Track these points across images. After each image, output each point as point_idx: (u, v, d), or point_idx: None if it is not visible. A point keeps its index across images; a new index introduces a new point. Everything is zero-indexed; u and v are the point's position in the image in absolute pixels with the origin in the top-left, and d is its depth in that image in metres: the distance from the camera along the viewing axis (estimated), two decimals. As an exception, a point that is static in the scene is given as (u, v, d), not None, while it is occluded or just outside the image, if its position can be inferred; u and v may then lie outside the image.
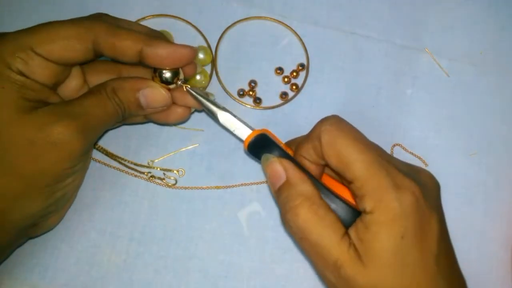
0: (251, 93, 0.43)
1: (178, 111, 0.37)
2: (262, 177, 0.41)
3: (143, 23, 0.43)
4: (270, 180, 0.34)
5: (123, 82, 0.35)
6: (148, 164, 0.40)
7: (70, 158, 0.32)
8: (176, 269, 0.38)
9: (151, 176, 0.40)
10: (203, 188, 0.40)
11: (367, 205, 0.30)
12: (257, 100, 0.43)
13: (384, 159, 0.31)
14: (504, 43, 0.46)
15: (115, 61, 0.35)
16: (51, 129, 0.31)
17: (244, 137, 0.36)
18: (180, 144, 0.41)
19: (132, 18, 0.43)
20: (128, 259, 0.38)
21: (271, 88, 0.43)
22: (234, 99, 0.43)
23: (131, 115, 0.36)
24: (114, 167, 0.40)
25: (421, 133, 0.43)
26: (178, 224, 0.39)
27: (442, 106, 0.44)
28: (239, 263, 0.39)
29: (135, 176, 0.40)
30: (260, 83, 0.43)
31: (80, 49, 0.32)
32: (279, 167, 0.33)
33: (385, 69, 0.44)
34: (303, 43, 0.44)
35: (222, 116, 0.36)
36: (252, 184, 0.40)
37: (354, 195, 0.32)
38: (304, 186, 0.32)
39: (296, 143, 0.36)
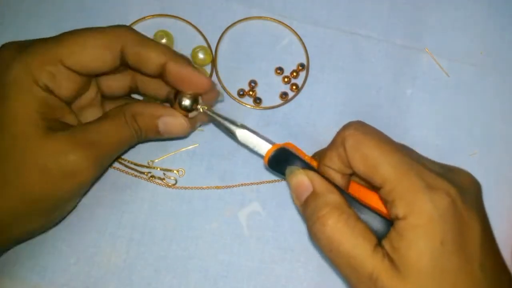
0: (251, 93, 0.43)
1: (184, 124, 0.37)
2: (262, 177, 0.41)
3: (143, 23, 0.43)
4: (295, 193, 0.32)
5: (144, 107, 0.35)
6: (148, 164, 0.40)
7: (80, 186, 0.33)
8: (176, 269, 0.38)
9: (151, 176, 0.40)
10: (203, 188, 0.40)
11: (400, 209, 0.28)
12: (257, 100, 0.43)
13: (414, 159, 0.29)
14: (504, 43, 0.46)
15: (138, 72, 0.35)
16: (65, 158, 0.31)
17: (264, 153, 0.35)
18: (180, 144, 0.41)
19: (132, 18, 0.43)
20: (128, 259, 0.38)
21: (271, 88, 0.43)
22: (234, 99, 0.43)
23: (147, 139, 0.36)
24: (114, 167, 0.40)
25: (421, 133, 0.43)
26: (178, 224, 0.39)
27: (442, 106, 0.44)
28: (239, 263, 0.39)
29: (135, 176, 0.40)
30: (260, 83, 0.43)
31: (110, 58, 0.32)
32: (305, 178, 0.32)
33: (385, 69, 0.44)
34: (303, 43, 0.44)
35: (241, 134, 0.35)
36: (252, 184, 0.40)
37: (385, 202, 0.30)
38: (332, 196, 0.31)
39: (321, 153, 0.35)
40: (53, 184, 0.31)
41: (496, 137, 0.43)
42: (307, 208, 0.31)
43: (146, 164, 0.40)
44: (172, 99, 0.36)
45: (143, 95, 0.40)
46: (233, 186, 0.40)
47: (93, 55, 0.32)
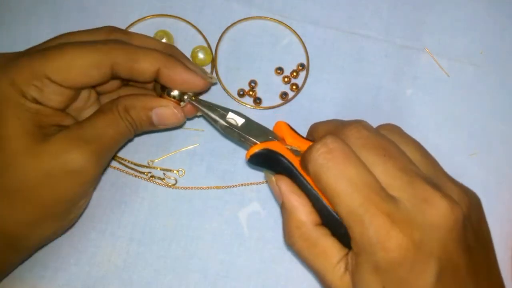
0: (251, 93, 0.43)
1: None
2: (262, 177, 0.41)
3: (143, 23, 0.43)
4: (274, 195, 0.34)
5: (136, 100, 0.34)
6: (148, 164, 0.40)
7: (86, 183, 0.33)
8: (176, 269, 0.38)
9: (151, 176, 0.40)
10: (203, 188, 0.40)
11: (353, 245, 0.29)
12: (257, 100, 0.43)
13: (374, 201, 0.28)
14: (504, 43, 0.46)
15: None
16: (66, 157, 0.31)
17: (246, 149, 0.34)
18: (180, 144, 0.41)
19: (132, 18, 0.43)
20: (128, 259, 0.38)
21: (271, 88, 0.43)
22: (234, 99, 0.43)
23: (142, 131, 0.36)
24: (114, 167, 0.40)
25: (421, 133, 0.43)
26: (178, 224, 0.39)
27: (442, 106, 0.44)
28: (239, 263, 0.39)
29: (135, 176, 0.40)
30: (260, 83, 0.43)
31: (98, 74, 0.32)
32: (276, 188, 0.32)
33: (385, 69, 0.44)
34: (303, 43, 0.44)
35: (224, 128, 0.35)
36: (252, 184, 0.40)
37: None
38: (298, 213, 0.31)
39: (318, 131, 0.35)
40: (59, 185, 0.31)
41: (496, 137, 0.43)
42: (281, 214, 0.33)
43: (146, 164, 0.40)
44: (159, 91, 0.35)
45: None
46: (233, 186, 0.40)
47: (81, 73, 0.31)
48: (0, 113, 0.30)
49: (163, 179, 0.40)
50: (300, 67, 0.44)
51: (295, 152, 0.33)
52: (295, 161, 0.32)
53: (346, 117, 0.42)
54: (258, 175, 0.41)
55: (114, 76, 0.33)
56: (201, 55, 0.42)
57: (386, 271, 0.27)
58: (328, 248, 0.30)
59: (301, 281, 0.38)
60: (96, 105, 0.36)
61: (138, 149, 0.41)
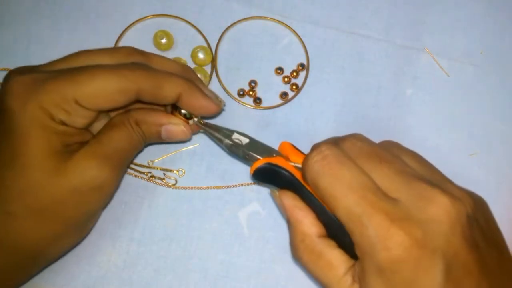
0: (251, 93, 0.43)
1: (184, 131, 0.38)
2: (262, 177, 0.41)
3: (143, 23, 0.43)
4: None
5: (147, 115, 0.35)
6: (148, 164, 0.40)
7: (107, 196, 0.35)
8: (176, 269, 0.38)
9: (151, 176, 0.40)
10: (203, 188, 0.40)
11: (356, 250, 0.29)
12: (257, 100, 0.43)
13: (371, 200, 0.28)
14: (504, 43, 0.46)
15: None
16: (89, 174, 0.32)
17: (250, 165, 0.35)
18: (180, 144, 0.41)
19: (132, 18, 0.43)
20: (128, 259, 0.38)
21: (271, 88, 0.43)
22: (234, 99, 0.43)
23: (149, 142, 0.37)
24: (114, 167, 0.40)
25: (421, 133, 0.43)
26: (178, 224, 0.39)
27: (442, 106, 0.44)
28: (239, 263, 0.39)
29: (135, 176, 0.40)
30: (260, 83, 0.43)
31: (124, 100, 0.33)
32: (280, 203, 0.33)
33: (385, 69, 0.44)
34: (303, 43, 0.44)
35: (229, 147, 0.36)
36: (252, 184, 0.40)
37: None
38: (301, 226, 0.31)
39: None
40: (84, 201, 0.33)
41: (496, 137, 0.43)
42: (288, 228, 0.33)
43: (146, 164, 0.40)
44: (171, 108, 0.37)
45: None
46: (233, 186, 0.40)
47: (109, 99, 0.32)
48: (29, 135, 0.31)
49: (163, 179, 0.40)
50: (300, 67, 0.44)
51: (299, 169, 0.33)
52: (298, 175, 0.33)
53: (346, 117, 0.42)
54: (258, 175, 0.41)
55: (137, 100, 0.34)
56: (201, 55, 0.42)
57: (391, 272, 0.27)
58: (334, 260, 0.30)
59: (301, 281, 0.38)
60: (107, 117, 0.37)
61: (138, 149, 0.41)
